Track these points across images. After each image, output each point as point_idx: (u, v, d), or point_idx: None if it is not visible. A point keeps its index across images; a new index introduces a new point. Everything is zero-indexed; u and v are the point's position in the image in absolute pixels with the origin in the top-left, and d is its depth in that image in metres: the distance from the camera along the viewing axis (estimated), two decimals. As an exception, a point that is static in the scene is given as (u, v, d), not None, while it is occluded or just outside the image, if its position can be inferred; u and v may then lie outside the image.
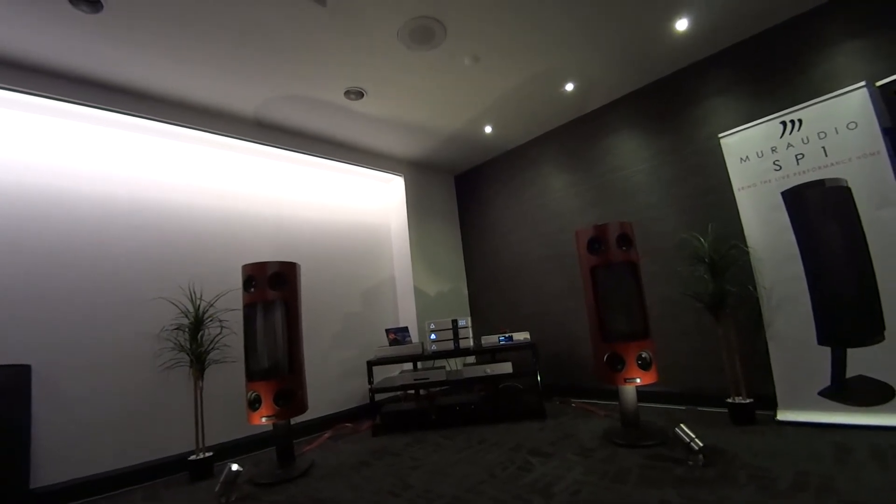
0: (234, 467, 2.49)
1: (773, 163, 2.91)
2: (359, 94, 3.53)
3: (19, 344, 2.67)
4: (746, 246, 2.98)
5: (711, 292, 2.94)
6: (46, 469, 2.63)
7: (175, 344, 3.07)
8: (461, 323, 3.91)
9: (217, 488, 2.46)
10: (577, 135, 4.36)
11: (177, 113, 3.41)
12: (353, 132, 4.23)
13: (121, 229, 3.22)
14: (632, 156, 3.93)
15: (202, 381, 3.05)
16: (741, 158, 3.06)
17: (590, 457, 2.56)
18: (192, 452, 3.00)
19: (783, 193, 2.86)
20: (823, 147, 2.70)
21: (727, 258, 2.97)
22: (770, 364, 2.84)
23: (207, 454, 3.00)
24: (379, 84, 3.43)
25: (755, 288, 2.93)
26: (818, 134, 2.73)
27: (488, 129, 4.42)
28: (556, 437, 2.99)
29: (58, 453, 2.69)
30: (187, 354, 3.05)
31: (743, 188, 3.04)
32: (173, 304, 3.17)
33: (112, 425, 2.92)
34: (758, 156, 2.98)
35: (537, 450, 2.78)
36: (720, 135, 3.18)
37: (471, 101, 3.83)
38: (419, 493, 2.31)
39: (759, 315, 2.92)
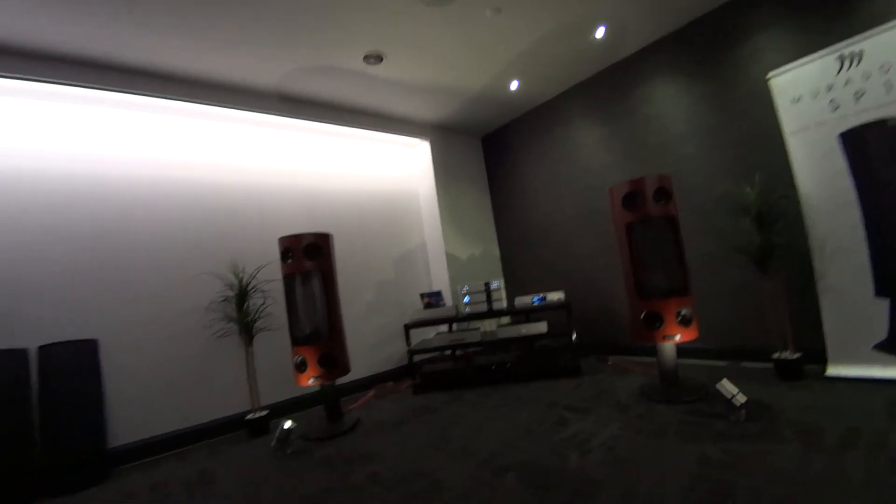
0: (288, 424, 2.70)
1: (829, 102, 2.65)
2: (378, 59, 3.44)
3: (85, 321, 2.91)
4: (797, 195, 2.78)
5: (758, 245, 2.80)
6: (121, 431, 2.93)
7: (224, 315, 3.27)
8: (494, 285, 3.93)
9: (273, 443, 2.68)
10: (610, 85, 4.11)
11: (205, 92, 3.47)
12: (375, 98, 4.17)
13: (166, 211, 3.38)
14: (670, 104, 3.68)
15: (251, 347, 3.25)
16: (793, 99, 2.80)
17: (626, 413, 2.58)
18: (249, 412, 3.25)
19: (840, 136, 2.61)
20: (887, 82, 2.42)
21: (776, 209, 2.79)
22: (820, 318, 2.71)
23: (263, 413, 3.24)
24: (398, 46, 3.32)
25: (806, 239, 2.75)
26: (881, 67, 2.44)
27: (514, 86, 4.24)
28: (591, 394, 3.02)
29: (129, 417, 2.98)
30: (235, 324, 3.24)
31: (795, 132, 2.80)
32: (218, 278, 3.35)
33: (174, 390, 3.19)
34: (812, 96, 2.71)
35: (573, 406, 2.82)
36: (769, 75, 2.91)
37: (494, 56, 3.66)
38: (458, 448, 2.42)
39: (810, 268, 2.75)
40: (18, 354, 2.60)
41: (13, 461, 2.45)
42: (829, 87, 2.64)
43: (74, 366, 2.75)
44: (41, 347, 2.70)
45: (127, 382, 3.00)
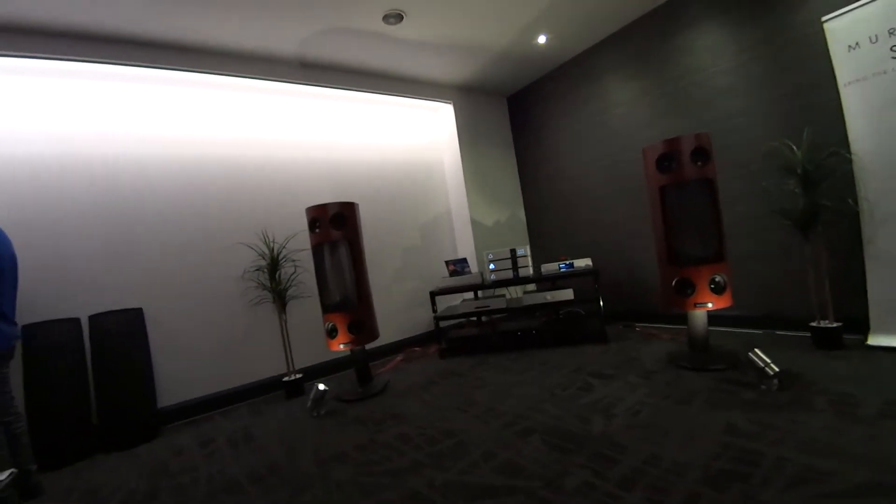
0: (321, 387, 2.84)
1: (891, 49, 2.38)
2: (398, 17, 3.31)
3: (130, 291, 3.10)
4: (849, 153, 2.57)
5: (802, 208, 2.64)
6: (169, 392, 3.16)
7: (258, 283, 3.41)
8: (520, 252, 3.90)
9: (308, 404, 2.84)
10: (645, 35, 3.83)
11: (225, 63, 3.47)
12: (396, 61, 4.05)
13: (198, 185, 3.47)
14: (711, 53, 3.41)
15: (285, 314, 3.39)
16: (850, 46, 2.53)
17: (653, 379, 2.57)
18: (285, 374, 3.43)
19: (902, 87, 2.37)
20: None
21: (824, 168, 2.60)
22: (865, 286, 2.56)
23: (298, 376, 3.42)
24: (419, 1, 3.17)
25: (856, 201, 2.57)
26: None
27: (542, 40, 4.02)
28: (618, 361, 3.02)
29: (175, 379, 3.20)
30: (269, 292, 3.37)
31: (850, 83, 2.56)
32: (251, 248, 3.46)
33: (215, 355, 3.39)
34: (871, 41, 2.45)
35: (598, 372, 2.84)
36: (824, 18, 2.63)
37: (520, 7, 3.45)
38: (484, 410, 2.49)
39: (858, 232, 2.59)
40: (72, 324, 2.81)
41: (72, 419, 2.70)
42: (891, 32, 2.37)
43: (122, 333, 2.96)
44: (92, 317, 2.90)
45: (172, 348, 3.21)
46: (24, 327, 2.61)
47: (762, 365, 2.17)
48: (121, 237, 3.12)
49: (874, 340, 2.51)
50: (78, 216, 2.98)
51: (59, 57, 2.86)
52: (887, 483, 1.36)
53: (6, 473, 1.73)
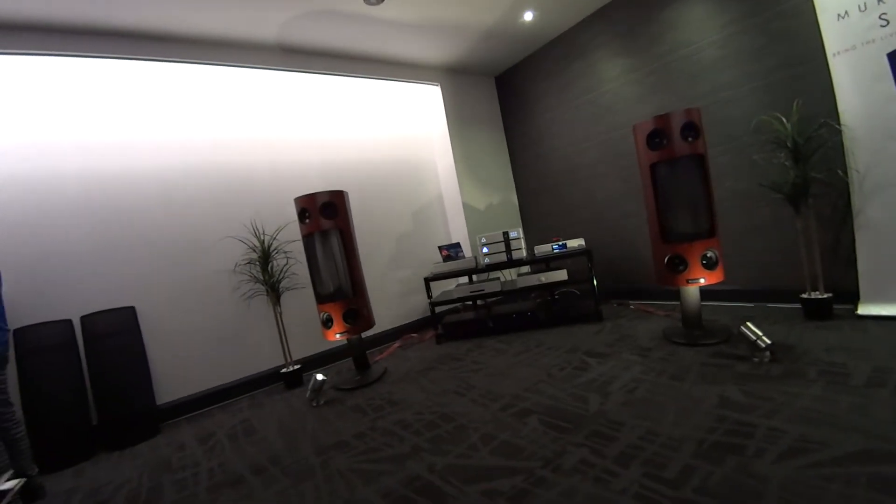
0: (320, 377, 2.85)
1: (880, 17, 2.35)
2: (380, -2, 3.22)
3: (122, 289, 3.06)
4: (839, 124, 2.57)
5: (793, 181, 2.64)
6: (167, 389, 3.15)
7: (250, 276, 3.38)
8: (512, 235, 3.89)
9: (308, 394, 2.85)
10: (634, 9, 3.76)
11: (205, 51, 3.36)
12: (379, 43, 3.95)
13: (184, 179, 3.39)
14: (700, 27, 3.35)
15: (279, 306, 3.37)
16: (838, 15, 2.50)
17: (647, 356, 2.60)
18: (283, 366, 3.43)
19: (890, 55, 2.34)
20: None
21: (814, 140, 2.60)
22: (854, 257, 2.59)
23: (296, 367, 3.42)
24: (401, -19, 3.08)
25: (846, 173, 2.57)
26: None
27: (528, 16, 3.93)
28: (613, 339, 3.05)
29: (172, 376, 3.19)
30: (262, 285, 3.35)
31: (839, 53, 2.53)
32: (241, 241, 3.42)
33: (212, 350, 3.37)
34: (860, 9, 2.41)
35: (594, 351, 2.86)
36: (813, -14, 2.60)
37: (507, -14, 3.37)
38: (482, 393, 2.51)
39: (848, 203, 2.60)
40: (64, 325, 2.77)
41: (71, 420, 2.68)
42: (880, 0, 2.34)
43: (116, 332, 2.93)
44: (84, 317, 2.86)
45: (168, 344, 3.19)
46: (16, 331, 2.58)
47: (754, 338, 2.20)
48: (109, 236, 3.06)
49: (864, 310, 2.54)
50: (64, 217, 2.92)
51: (26, 52, 2.75)
52: (878, 450, 1.39)
53: (15, 482, 1.73)
